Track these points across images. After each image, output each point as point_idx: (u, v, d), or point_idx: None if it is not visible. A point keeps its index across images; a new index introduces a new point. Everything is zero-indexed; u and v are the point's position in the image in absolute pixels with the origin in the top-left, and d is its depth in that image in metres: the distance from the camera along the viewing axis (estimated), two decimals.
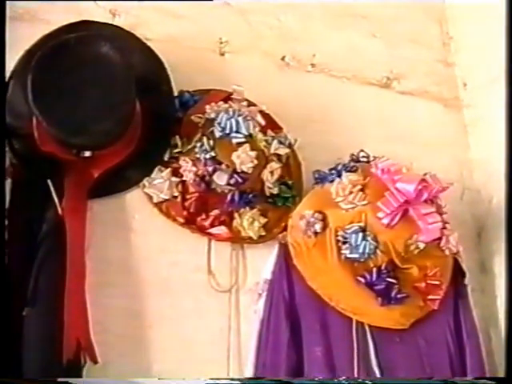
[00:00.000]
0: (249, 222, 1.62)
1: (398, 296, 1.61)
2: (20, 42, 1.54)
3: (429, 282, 1.64)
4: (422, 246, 1.62)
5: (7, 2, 1.50)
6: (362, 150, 1.72)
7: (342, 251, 1.61)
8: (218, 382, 1.45)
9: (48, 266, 1.45)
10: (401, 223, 1.60)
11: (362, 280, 1.61)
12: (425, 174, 1.62)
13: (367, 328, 1.61)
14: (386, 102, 1.92)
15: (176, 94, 1.66)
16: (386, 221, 1.59)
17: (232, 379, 1.51)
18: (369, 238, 1.60)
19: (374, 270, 1.60)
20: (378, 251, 1.60)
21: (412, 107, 1.94)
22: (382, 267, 1.60)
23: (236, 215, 1.62)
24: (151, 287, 1.57)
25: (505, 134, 1.71)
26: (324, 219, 1.62)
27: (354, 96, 1.89)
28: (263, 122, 1.66)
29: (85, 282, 1.46)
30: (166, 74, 1.64)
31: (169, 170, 1.60)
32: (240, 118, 1.58)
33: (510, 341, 1.53)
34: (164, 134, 1.62)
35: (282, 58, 1.85)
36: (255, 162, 1.57)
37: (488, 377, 1.58)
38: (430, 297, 1.64)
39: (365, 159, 1.71)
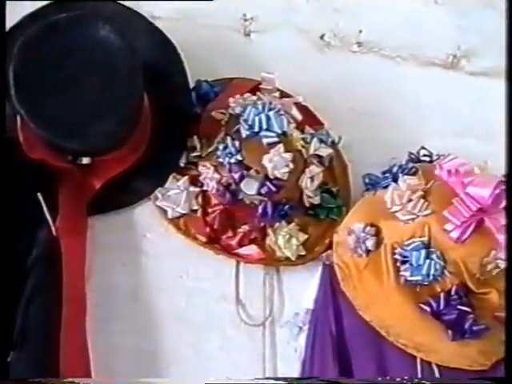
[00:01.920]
0: (285, 239, 1.49)
1: (474, 328, 1.44)
2: None
3: None
4: (502, 264, 1.44)
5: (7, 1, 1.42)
6: (422, 148, 1.57)
7: (401, 273, 1.46)
8: (259, 381, 1.39)
9: (40, 298, 1.34)
10: (474, 237, 1.44)
11: (427, 308, 1.44)
12: (503, 176, 1.46)
13: (436, 369, 1.44)
14: (452, 86, 1.75)
15: (192, 84, 1.53)
16: (455, 234, 1.43)
17: (277, 378, 1.44)
18: (434, 256, 1.44)
19: (442, 295, 1.44)
20: (446, 272, 1.44)
21: (486, 91, 1.76)
22: (452, 292, 1.44)
23: (269, 231, 1.50)
24: (167, 321, 1.44)
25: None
26: (377, 234, 1.48)
27: (412, 80, 1.73)
28: (300, 117, 1.53)
29: (85, 317, 1.34)
30: (180, 60, 1.52)
31: (186, 178, 1.48)
32: (271, 113, 1.46)
33: (510, 341, 1.40)
34: (179, 134, 1.50)
35: (322, 37, 1.71)
36: (291, 165, 1.45)
37: (488, 377, 1.47)
38: None
39: (427, 158, 1.57)
